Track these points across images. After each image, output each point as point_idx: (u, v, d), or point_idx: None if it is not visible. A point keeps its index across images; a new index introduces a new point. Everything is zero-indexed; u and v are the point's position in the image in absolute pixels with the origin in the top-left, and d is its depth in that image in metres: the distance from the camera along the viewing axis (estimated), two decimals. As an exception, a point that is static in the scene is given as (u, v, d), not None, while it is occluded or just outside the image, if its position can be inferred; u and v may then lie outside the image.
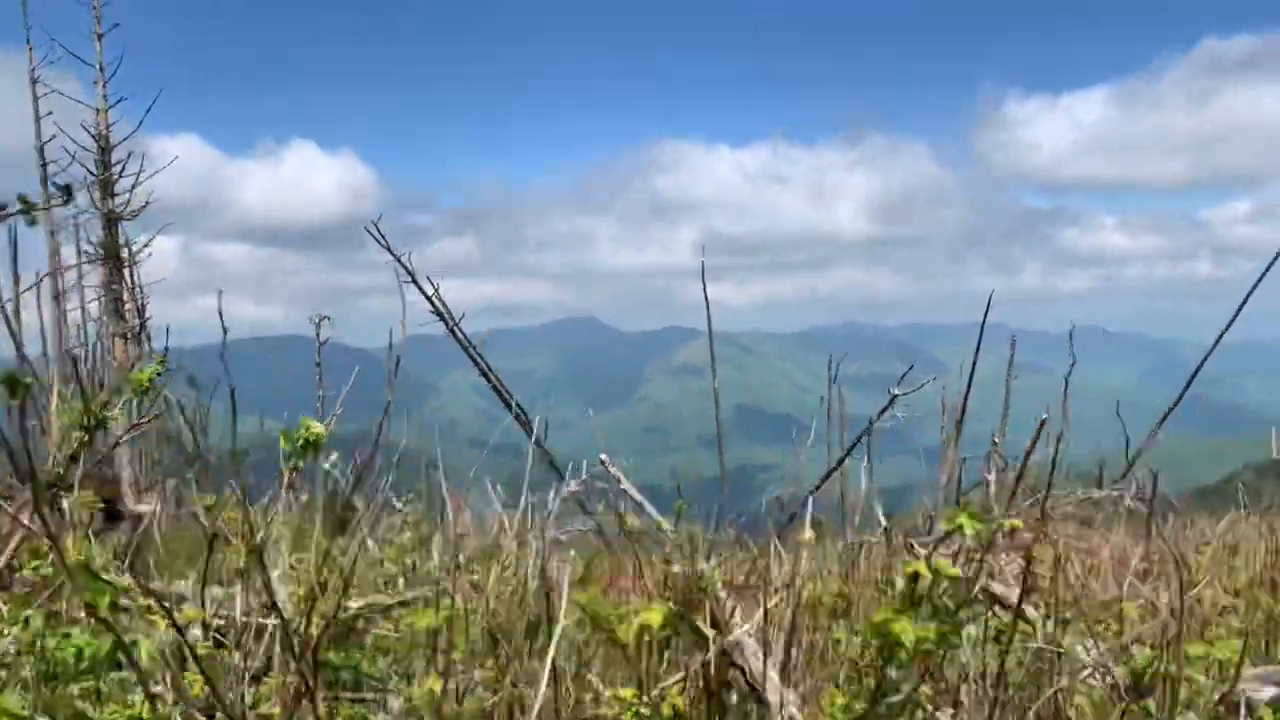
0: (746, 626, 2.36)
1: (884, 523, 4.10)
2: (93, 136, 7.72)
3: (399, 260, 5.43)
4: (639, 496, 2.95)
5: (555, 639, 2.10)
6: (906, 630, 2.05)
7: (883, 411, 4.11)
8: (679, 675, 2.36)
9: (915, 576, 2.22)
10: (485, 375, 5.40)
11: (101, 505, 3.79)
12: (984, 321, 5.16)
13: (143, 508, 4.11)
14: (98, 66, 7.86)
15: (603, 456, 3.31)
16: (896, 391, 4.18)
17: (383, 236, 5.43)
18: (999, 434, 6.42)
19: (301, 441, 2.27)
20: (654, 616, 2.20)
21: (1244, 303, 3.27)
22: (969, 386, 5.58)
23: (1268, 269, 3.29)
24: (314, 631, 2.08)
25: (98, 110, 7.83)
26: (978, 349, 5.33)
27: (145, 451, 6.78)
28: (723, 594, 2.35)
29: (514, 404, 5.27)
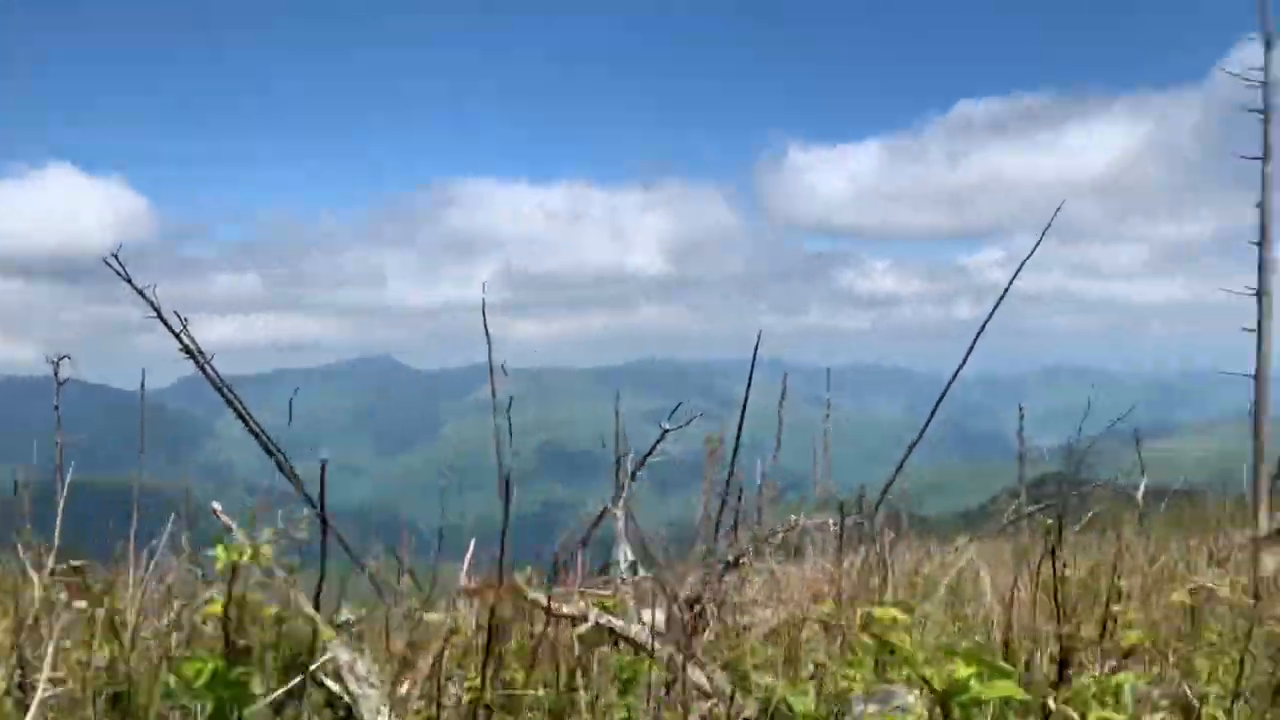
0: (358, 670, 2.25)
1: (630, 558, 4.13)
2: None
3: (142, 294, 5.00)
4: (244, 539, 2.79)
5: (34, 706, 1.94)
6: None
7: (653, 447, 4.15)
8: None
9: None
10: (241, 417, 5.04)
11: None
12: (754, 358, 5.33)
13: None
14: None
15: (214, 505, 3.11)
16: (667, 426, 4.23)
17: (123, 267, 4.99)
18: (771, 462, 6.65)
19: None
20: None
21: (975, 340, 3.54)
22: (741, 420, 5.75)
23: (992, 313, 3.57)
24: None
25: None
26: (749, 384, 5.49)
27: None
28: (342, 649, 2.24)
29: (272, 448, 4.94)
